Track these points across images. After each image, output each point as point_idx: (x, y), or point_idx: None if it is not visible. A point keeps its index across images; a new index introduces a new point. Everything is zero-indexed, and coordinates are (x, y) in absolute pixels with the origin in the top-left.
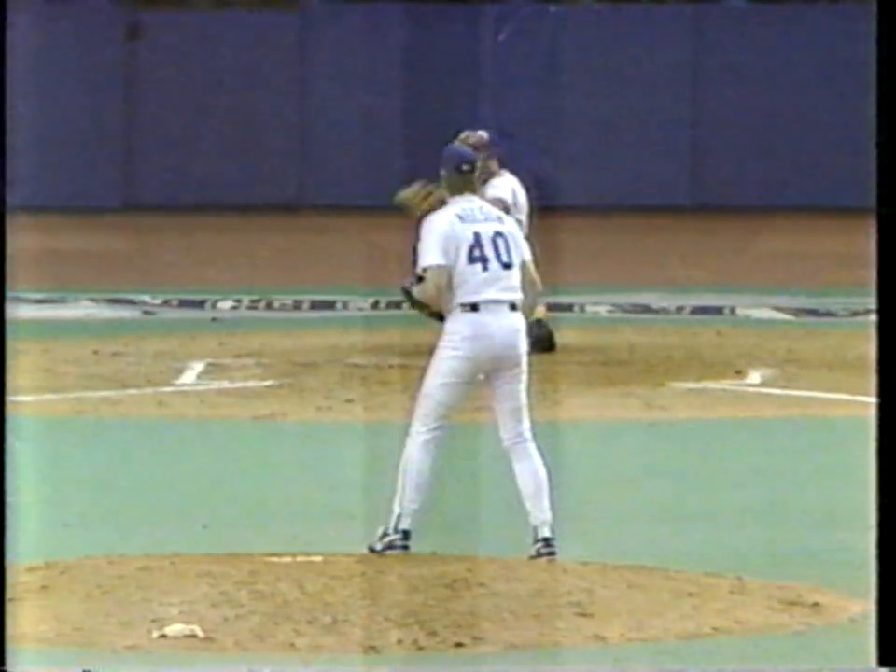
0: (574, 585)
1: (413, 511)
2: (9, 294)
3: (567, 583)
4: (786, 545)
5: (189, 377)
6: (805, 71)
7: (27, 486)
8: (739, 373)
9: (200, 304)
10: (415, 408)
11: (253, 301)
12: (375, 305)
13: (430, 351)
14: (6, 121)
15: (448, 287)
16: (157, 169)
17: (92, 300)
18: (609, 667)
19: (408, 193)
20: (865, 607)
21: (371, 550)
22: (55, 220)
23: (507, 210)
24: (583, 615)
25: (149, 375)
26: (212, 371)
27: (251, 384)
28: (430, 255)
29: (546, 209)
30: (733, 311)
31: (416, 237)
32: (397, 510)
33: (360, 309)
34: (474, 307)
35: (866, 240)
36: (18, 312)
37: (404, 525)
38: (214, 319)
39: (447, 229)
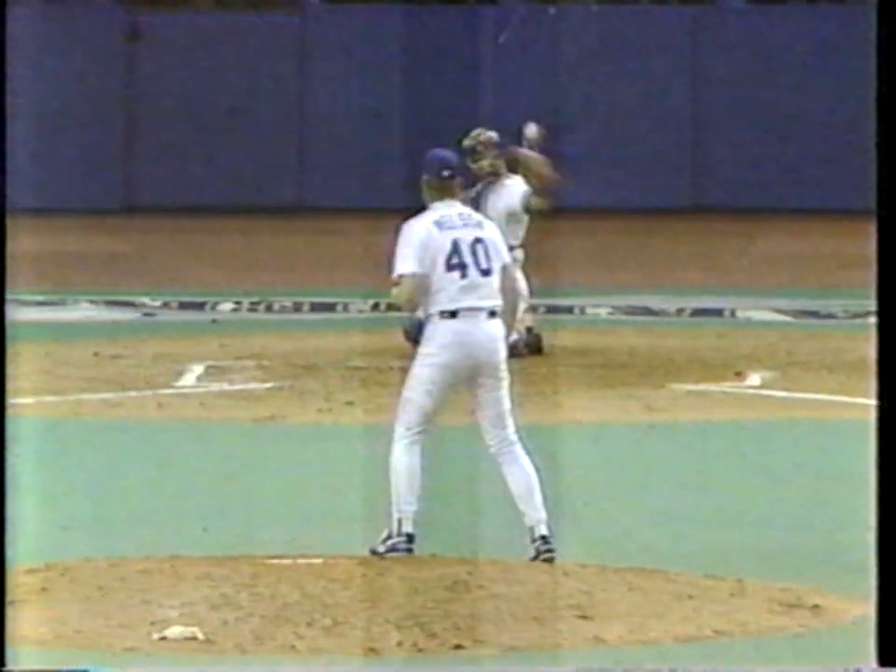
0: (574, 587)
1: (413, 512)
2: (9, 296)
3: (567, 586)
4: (786, 547)
5: (189, 379)
6: (805, 71)
7: (27, 488)
8: (739, 375)
9: (200, 306)
10: (398, 412)
11: (253, 304)
12: (375, 307)
13: None
14: (6, 122)
15: (425, 293)
16: (157, 171)
17: (92, 302)
18: (609, 669)
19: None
20: (865, 609)
21: (374, 553)
22: (55, 222)
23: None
24: (583, 617)
25: (149, 377)
26: (212, 373)
27: (251, 386)
28: (405, 262)
29: (549, 211)
30: (733, 313)
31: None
32: (396, 514)
33: (361, 311)
34: (453, 314)
35: (866, 242)
36: (18, 314)
37: (407, 529)
38: (214, 321)
39: (424, 236)
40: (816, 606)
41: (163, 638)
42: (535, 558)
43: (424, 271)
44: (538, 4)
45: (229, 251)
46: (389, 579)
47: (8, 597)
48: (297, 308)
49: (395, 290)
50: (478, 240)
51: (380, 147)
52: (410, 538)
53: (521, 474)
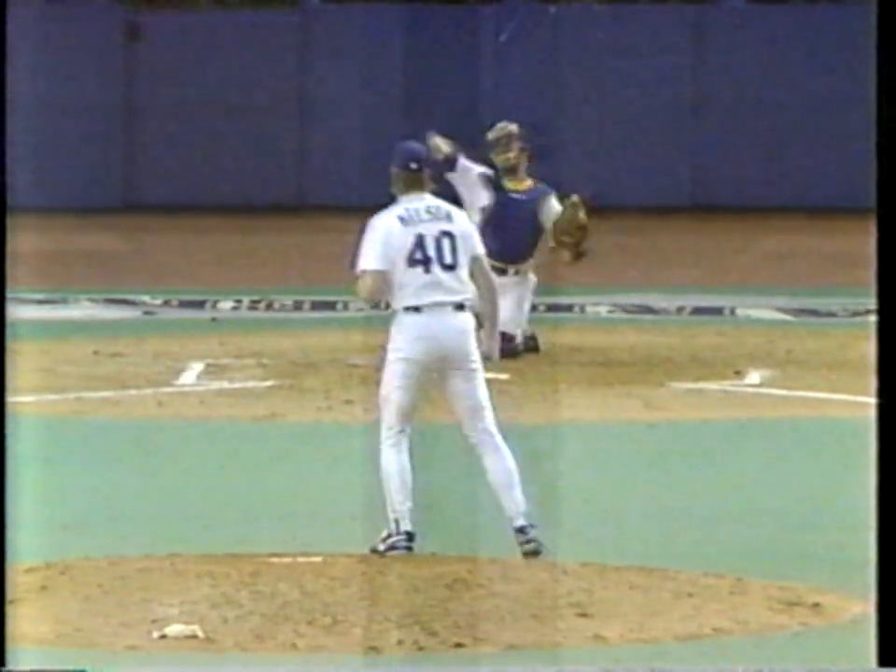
0: (574, 586)
1: (408, 510)
2: (9, 295)
3: (566, 584)
4: (786, 545)
5: (189, 378)
6: (805, 71)
7: (27, 487)
8: (739, 374)
9: (200, 305)
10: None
11: (253, 302)
12: (375, 305)
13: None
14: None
15: (389, 289)
16: (157, 169)
17: (92, 300)
18: (609, 668)
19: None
20: (865, 607)
21: (374, 551)
22: (55, 221)
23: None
24: (583, 616)
25: (149, 376)
26: (212, 371)
27: (251, 384)
28: (367, 259)
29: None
30: (733, 311)
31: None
32: (392, 515)
33: (360, 309)
34: (417, 309)
35: (866, 240)
36: (18, 312)
37: (405, 527)
38: (214, 320)
39: (387, 232)
40: (816, 604)
41: (164, 637)
42: (525, 555)
43: (385, 267)
44: (538, 3)
45: (229, 250)
46: (389, 577)
47: (8, 596)
48: (297, 306)
49: (357, 285)
50: (445, 233)
51: (380, 146)
52: (409, 535)
53: (500, 465)
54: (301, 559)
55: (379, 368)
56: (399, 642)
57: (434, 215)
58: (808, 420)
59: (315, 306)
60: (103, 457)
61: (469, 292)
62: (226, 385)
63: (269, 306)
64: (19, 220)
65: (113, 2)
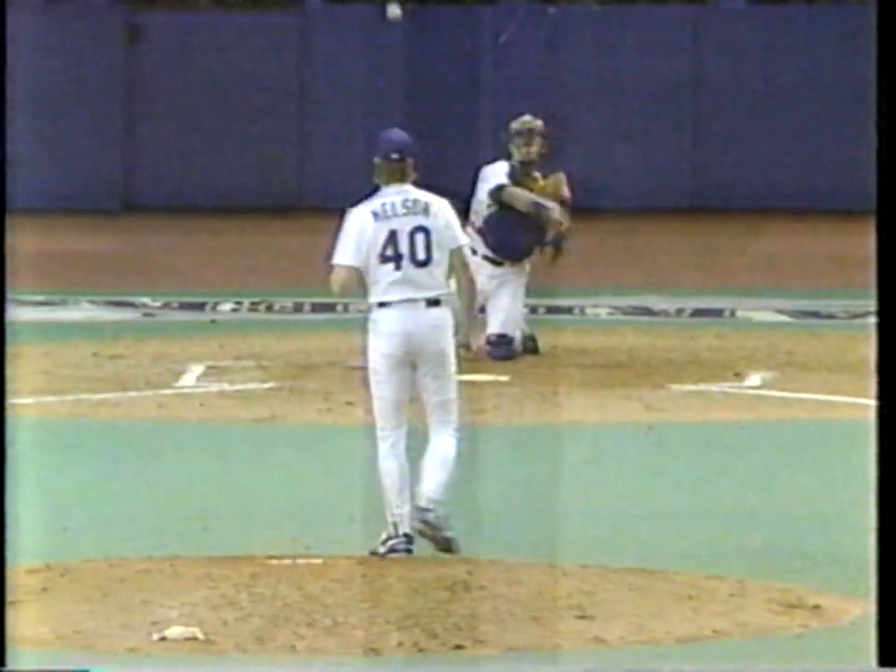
0: (574, 588)
1: (406, 513)
2: (9, 296)
3: (567, 586)
4: (786, 547)
5: (188, 379)
6: (804, 72)
7: (27, 488)
8: (739, 376)
9: (200, 307)
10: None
11: (253, 304)
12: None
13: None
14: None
15: (363, 283)
16: (157, 170)
17: (92, 302)
18: (610, 670)
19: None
20: (865, 609)
21: (374, 553)
22: (55, 222)
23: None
24: (584, 618)
25: (149, 378)
26: (212, 373)
27: (251, 386)
28: (340, 253)
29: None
30: (732, 313)
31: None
32: (391, 518)
33: (360, 311)
34: (388, 305)
35: (866, 242)
36: (18, 314)
37: (404, 529)
38: (214, 321)
39: (359, 229)
40: (816, 606)
41: (163, 639)
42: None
43: (356, 263)
44: (538, 3)
45: (229, 251)
46: (389, 579)
47: (9, 597)
48: (297, 308)
49: (331, 278)
50: (419, 228)
51: None
52: (408, 538)
53: (440, 451)
54: (300, 561)
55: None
56: (400, 644)
57: (410, 209)
58: (808, 422)
59: (315, 308)
60: (103, 459)
61: (444, 287)
62: (226, 386)
63: (269, 308)
64: (19, 222)
65: (113, 2)
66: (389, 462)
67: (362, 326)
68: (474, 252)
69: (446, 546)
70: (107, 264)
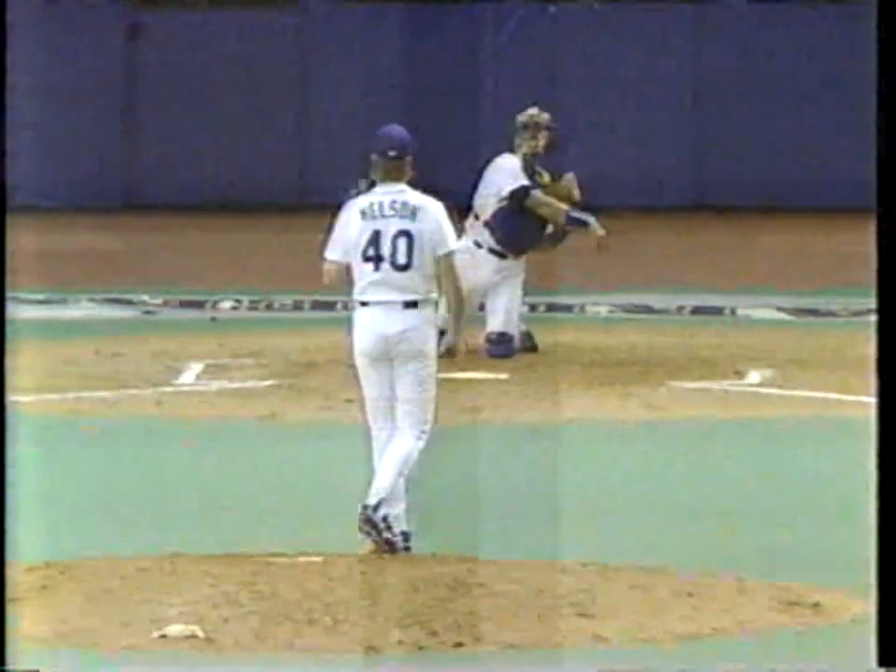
0: (574, 586)
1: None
2: (9, 294)
3: (566, 584)
4: (786, 545)
5: (188, 377)
6: (805, 71)
7: (27, 486)
8: (739, 373)
9: (200, 304)
10: None
11: (253, 302)
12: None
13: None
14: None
15: (351, 278)
16: (157, 169)
17: (92, 300)
18: (610, 668)
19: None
20: (866, 607)
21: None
22: (55, 220)
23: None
24: (583, 615)
25: (149, 375)
26: (212, 371)
27: (251, 384)
28: (329, 247)
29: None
30: (733, 311)
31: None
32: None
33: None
34: (366, 304)
35: (866, 240)
36: (18, 312)
37: (401, 527)
38: (214, 319)
39: (347, 225)
40: (816, 604)
41: (163, 636)
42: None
43: (341, 259)
44: (538, 3)
45: (229, 250)
46: (389, 577)
47: (8, 595)
48: (297, 306)
49: (323, 271)
50: (403, 232)
51: None
52: (406, 535)
53: (398, 450)
54: (301, 559)
55: None
56: (399, 642)
57: (398, 211)
58: (808, 420)
59: (315, 306)
60: (102, 457)
61: (424, 291)
62: (226, 384)
63: (269, 306)
64: (19, 219)
65: (113, 1)
66: (376, 462)
67: (349, 323)
68: (479, 245)
69: (389, 548)
70: (107, 262)
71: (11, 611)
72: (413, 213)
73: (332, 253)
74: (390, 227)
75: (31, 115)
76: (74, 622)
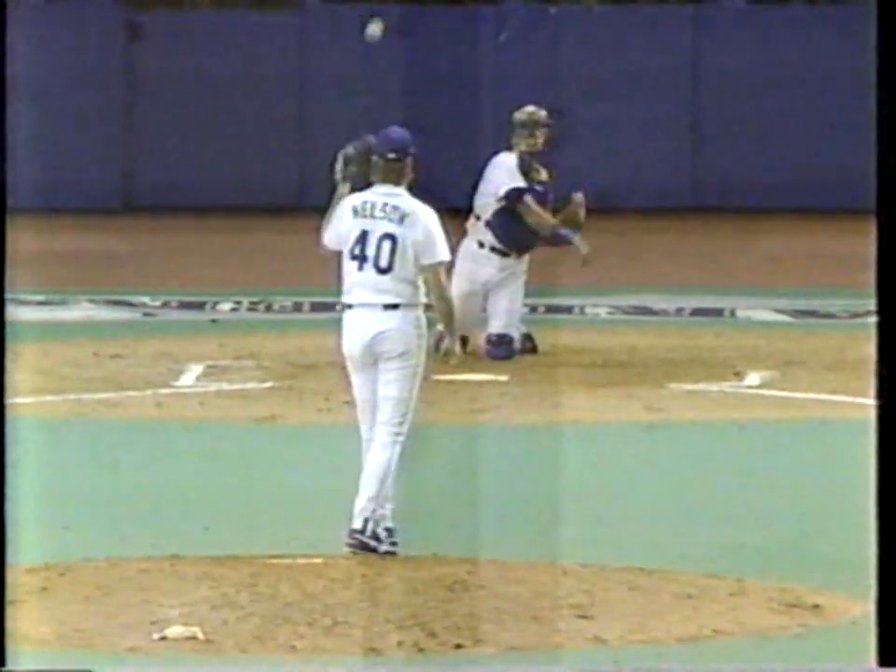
0: (574, 587)
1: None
2: (9, 296)
3: (566, 585)
4: (786, 546)
5: (188, 379)
6: (804, 71)
7: (27, 488)
8: (738, 375)
9: (199, 306)
10: None
11: (253, 303)
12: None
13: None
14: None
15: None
16: (157, 170)
17: (92, 301)
18: (610, 669)
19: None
20: (865, 608)
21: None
22: (55, 222)
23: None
24: (583, 617)
25: (149, 377)
26: (211, 372)
27: (251, 385)
28: (327, 235)
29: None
30: (732, 312)
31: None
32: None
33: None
34: (349, 306)
35: (866, 241)
36: (18, 313)
37: (387, 525)
38: (213, 321)
39: (340, 218)
40: (816, 605)
41: (164, 638)
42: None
43: (333, 246)
44: (538, 3)
45: (229, 250)
46: (389, 578)
47: (9, 597)
48: (297, 308)
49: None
50: (388, 235)
51: None
52: (390, 532)
53: (373, 465)
54: (301, 560)
55: None
56: (399, 643)
57: (387, 214)
58: (808, 421)
59: (315, 308)
60: (102, 458)
61: (407, 295)
62: (225, 386)
63: (268, 308)
64: (19, 221)
65: (113, 1)
66: (364, 463)
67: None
68: (482, 245)
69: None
70: (107, 263)
71: (11, 613)
72: (401, 218)
73: (328, 237)
74: (377, 228)
75: (31, 116)
76: (74, 623)
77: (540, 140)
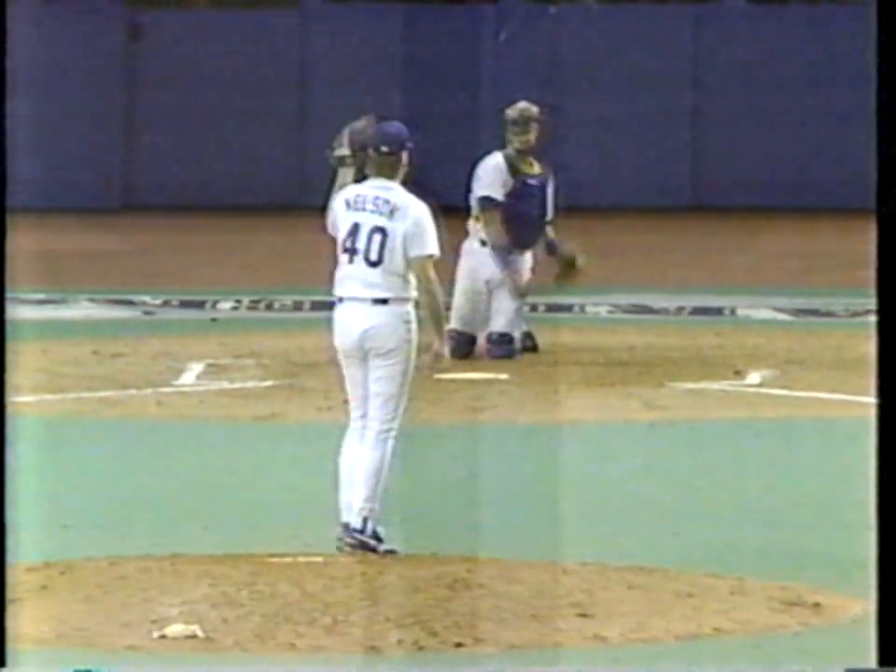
0: (574, 586)
1: (346, 503)
2: (9, 295)
3: (567, 584)
4: (786, 545)
5: (188, 378)
6: (805, 71)
7: (27, 486)
8: (739, 374)
9: (200, 305)
10: None
11: (253, 302)
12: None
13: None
14: (6, 121)
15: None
16: (157, 169)
17: (92, 300)
18: (610, 668)
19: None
20: (865, 607)
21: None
22: (55, 221)
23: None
24: (583, 616)
25: (149, 376)
26: (212, 371)
27: (251, 384)
28: (329, 223)
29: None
30: (733, 311)
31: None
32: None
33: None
34: (341, 301)
35: (866, 240)
36: (18, 312)
37: (343, 518)
38: (214, 320)
39: (335, 210)
40: (816, 604)
41: (164, 637)
42: (347, 546)
43: (331, 232)
44: (537, 2)
45: (229, 249)
46: (389, 577)
47: (9, 596)
48: (297, 307)
49: None
50: (378, 228)
51: None
52: (346, 526)
53: (363, 465)
54: (301, 559)
55: None
56: (400, 642)
57: (378, 207)
58: (808, 420)
59: (315, 306)
60: (102, 457)
61: (396, 289)
62: (226, 385)
63: (269, 306)
64: (19, 220)
65: (113, 1)
66: (346, 451)
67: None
68: (484, 243)
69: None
70: (107, 262)
71: (11, 612)
72: (391, 211)
73: (331, 227)
74: (369, 221)
75: (31, 115)
76: (74, 622)
77: (533, 136)
